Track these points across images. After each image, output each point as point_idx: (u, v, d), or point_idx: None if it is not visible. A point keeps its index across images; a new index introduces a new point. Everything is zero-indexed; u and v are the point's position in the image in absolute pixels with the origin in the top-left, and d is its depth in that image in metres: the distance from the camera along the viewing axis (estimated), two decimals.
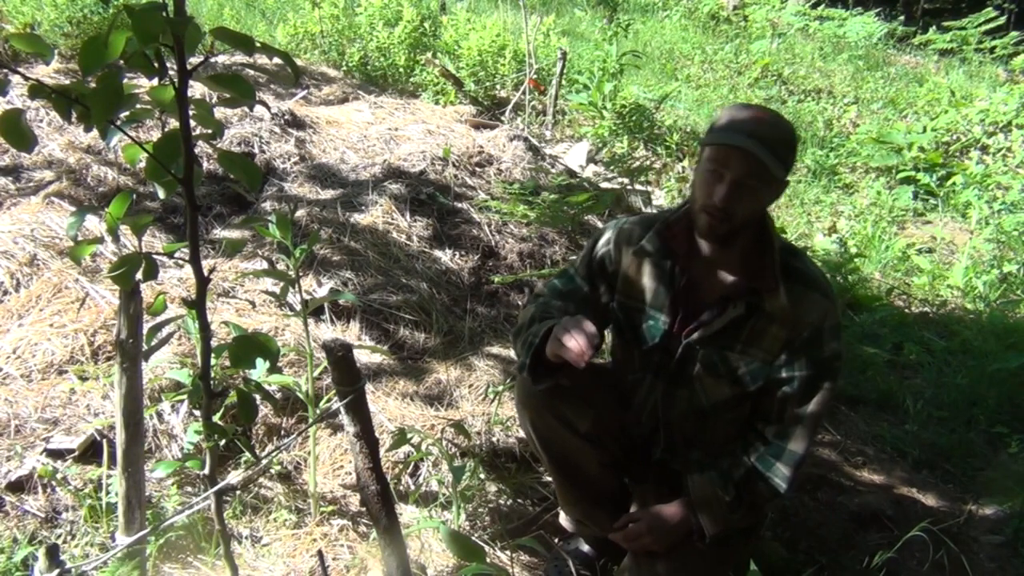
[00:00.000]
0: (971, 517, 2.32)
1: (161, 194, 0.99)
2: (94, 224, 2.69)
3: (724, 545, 1.64)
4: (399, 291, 2.84)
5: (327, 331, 2.60)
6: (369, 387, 2.37)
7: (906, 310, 3.78)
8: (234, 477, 1.96)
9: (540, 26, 6.15)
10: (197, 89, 3.10)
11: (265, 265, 2.74)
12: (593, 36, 7.26)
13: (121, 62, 0.85)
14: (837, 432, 2.69)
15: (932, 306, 3.85)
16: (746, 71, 7.89)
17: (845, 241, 4.31)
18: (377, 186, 3.41)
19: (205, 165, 3.30)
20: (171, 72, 0.90)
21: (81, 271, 2.47)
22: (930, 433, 2.72)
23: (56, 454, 1.91)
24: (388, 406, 2.32)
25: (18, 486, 1.84)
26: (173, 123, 0.94)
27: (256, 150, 3.58)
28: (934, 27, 10.84)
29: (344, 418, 1.29)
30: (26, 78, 1.02)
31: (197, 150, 2.55)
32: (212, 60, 4.20)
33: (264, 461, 2.03)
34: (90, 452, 1.94)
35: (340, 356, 1.24)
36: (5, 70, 1.02)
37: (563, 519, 1.95)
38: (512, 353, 2.73)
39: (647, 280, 1.65)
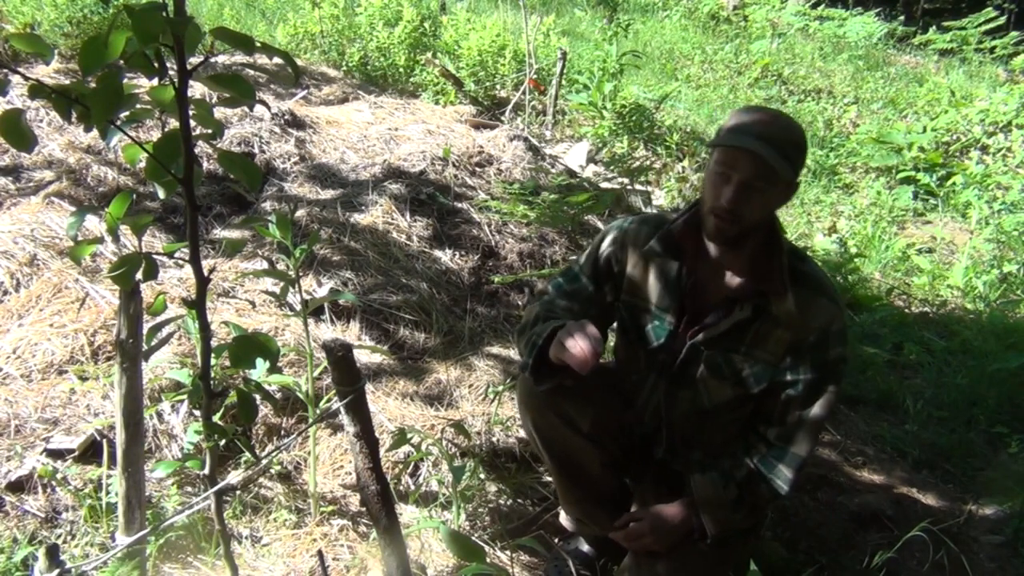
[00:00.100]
0: (971, 517, 2.32)
1: (161, 194, 0.99)
2: (94, 224, 2.69)
3: (724, 545, 1.64)
4: (399, 291, 2.84)
5: (327, 331, 2.60)
6: (369, 387, 2.37)
7: (906, 310, 3.78)
8: (234, 477, 1.96)
9: (540, 26, 6.14)
10: (197, 89, 3.10)
11: (265, 265, 2.74)
12: (593, 36, 7.26)
13: (121, 62, 0.85)
14: (837, 432, 2.69)
15: (932, 306, 3.85)
16: (746, 71, 7.89)
17: (845, 241, 4.31)
18: (377, 186, 3.41)
19: (205, 165, 3.30)
20: (171, 72, 0.90)
21: (81, 271, 2.47)
22: (930, 433, 2.72)
23: (56, 454, 1.91)
24: (388, 406, 2.32)
25: (18, 486, 1.84)
26: (173, 123, 0.94)
27: (256, 150, 3.58)
28: (934, 27, 10.84)
29: (344, 418, 1.29)
30: (26, 78, 1.02)
31: (197, 150, 2.55)
32: (212, 60, 4.20)
33: (264, 461, 2.03)
34: (90, 452, 1.94)
35: (340, 356, 1.24)
36: (5, 70, 1.02)
37: (563, 519, 1.95)
38: (512, 353, 2.73)
39: (653, 281, 1.65)
